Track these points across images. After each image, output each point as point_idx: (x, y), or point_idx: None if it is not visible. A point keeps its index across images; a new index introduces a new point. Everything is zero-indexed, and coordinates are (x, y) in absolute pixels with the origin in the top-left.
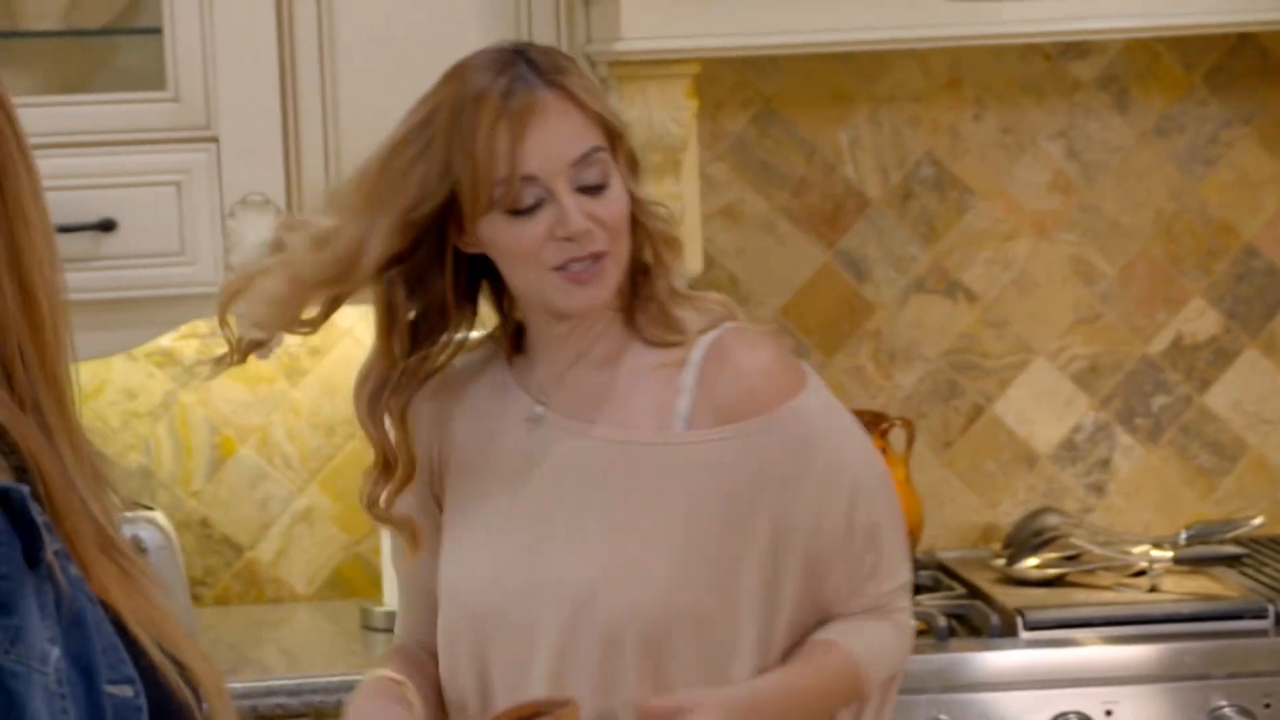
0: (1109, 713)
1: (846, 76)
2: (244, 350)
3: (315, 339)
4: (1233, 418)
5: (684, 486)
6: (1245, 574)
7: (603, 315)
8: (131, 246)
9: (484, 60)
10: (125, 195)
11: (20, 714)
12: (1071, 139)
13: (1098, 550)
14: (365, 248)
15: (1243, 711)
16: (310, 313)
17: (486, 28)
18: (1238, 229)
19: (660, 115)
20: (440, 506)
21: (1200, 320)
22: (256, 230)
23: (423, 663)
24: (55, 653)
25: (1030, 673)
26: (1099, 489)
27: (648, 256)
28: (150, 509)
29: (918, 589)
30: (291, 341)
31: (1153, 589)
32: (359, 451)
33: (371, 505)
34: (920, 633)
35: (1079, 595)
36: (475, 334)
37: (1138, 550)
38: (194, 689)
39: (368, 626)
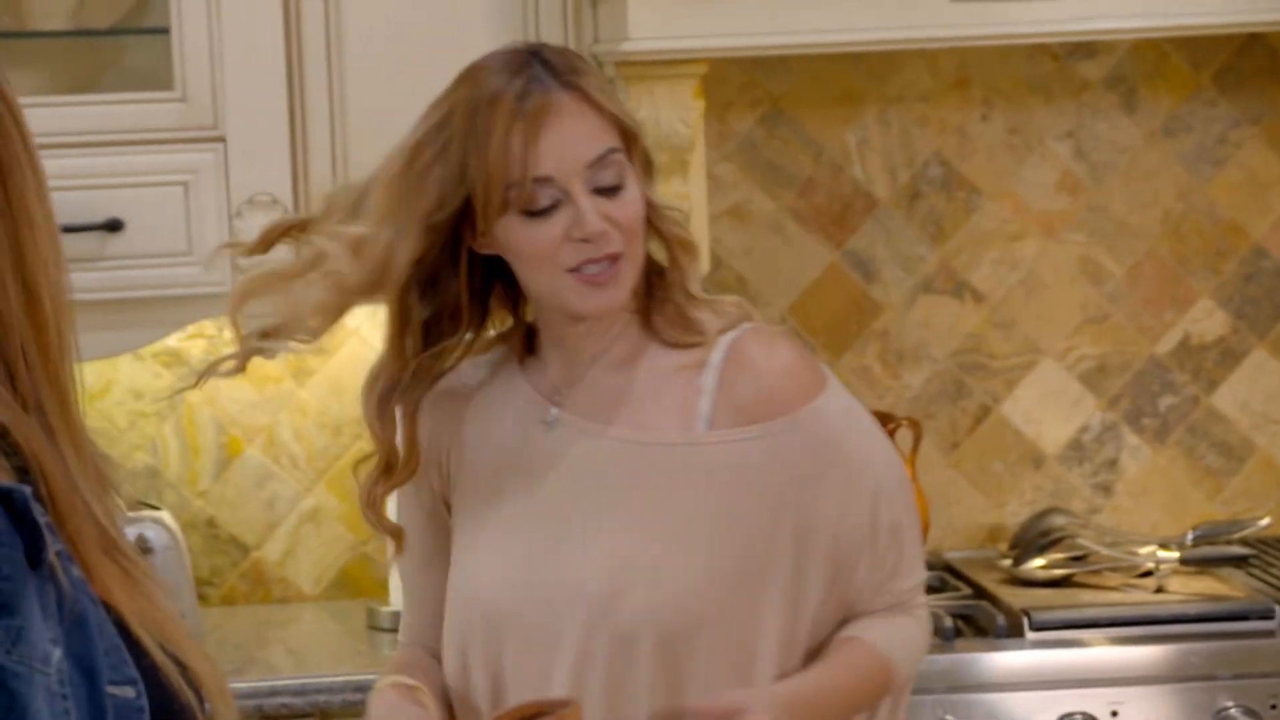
0: (1115, 713)
1: (854, 77)
2: (245, 355)
3: (322, 339)
4: (1240, 418)
5: (708, 487)
6: (1252, 575)
7: (619, 317)
8: (138, 246)
9: (499, 61)
10: (132, 195)
11: (22, 715)
12: (1079, 139)
13: (1104, 551)
14: (394, 253)
15: (1249, 712)
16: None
17: (494, 28)
18: (1246, 229)
19: (667, 115)
20: (449, 510)
21: (1208, 321)
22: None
23: (431, 667)
24: (57, 653)
25: (1036, 673)
26: (1106, 489)
27: (662, 258)
28: (157, 509)
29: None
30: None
31: (1159, 590)
32: (366, 451)
33: (371, 505)
34: None
35: (1085, 596)
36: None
37: (1144, 551)
38: (196, 690)
39: (374, 626)
